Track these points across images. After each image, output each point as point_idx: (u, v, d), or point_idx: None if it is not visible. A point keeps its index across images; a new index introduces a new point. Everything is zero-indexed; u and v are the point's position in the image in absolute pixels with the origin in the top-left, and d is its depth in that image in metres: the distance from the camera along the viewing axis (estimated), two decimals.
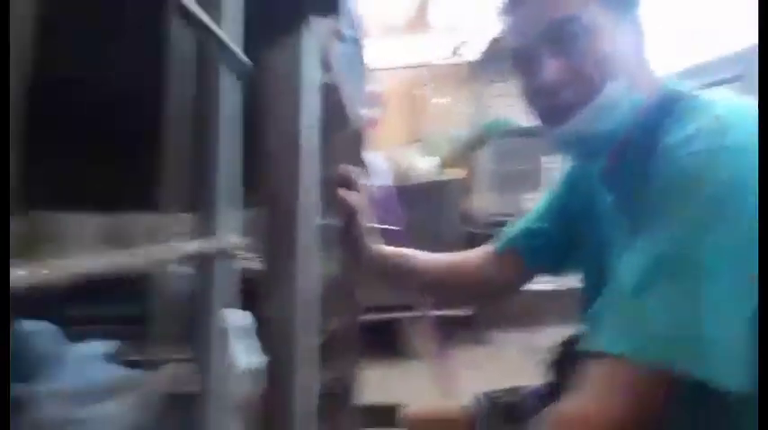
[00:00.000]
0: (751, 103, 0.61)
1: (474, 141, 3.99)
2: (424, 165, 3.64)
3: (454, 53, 4.20)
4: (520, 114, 3.75)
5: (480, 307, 3.35)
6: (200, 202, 0.23)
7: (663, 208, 0.58)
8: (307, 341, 0.59)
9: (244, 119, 0.61)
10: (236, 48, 0.30)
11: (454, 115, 4.11)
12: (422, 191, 3.41)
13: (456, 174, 3.49)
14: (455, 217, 3.45)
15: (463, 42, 4.22)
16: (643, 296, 0.55)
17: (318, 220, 0.62)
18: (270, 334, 0.56)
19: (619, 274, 0.61)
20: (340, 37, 0.71)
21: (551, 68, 0.66)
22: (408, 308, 2.92)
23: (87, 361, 0.75)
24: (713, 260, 0.53)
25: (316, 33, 0.57)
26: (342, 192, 0.89)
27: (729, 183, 0.55)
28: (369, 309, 3.13)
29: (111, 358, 0.81)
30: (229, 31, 0.25)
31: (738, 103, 0.63)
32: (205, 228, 0.24)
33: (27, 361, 0.68)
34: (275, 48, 0.53)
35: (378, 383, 2.76)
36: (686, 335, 0.53)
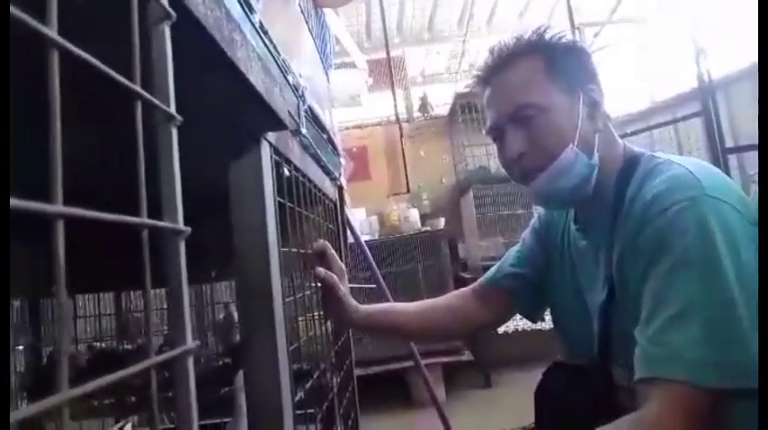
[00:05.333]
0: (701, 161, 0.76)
1: (458, 188, 4.13)
2: (412, 217, 3.75)
3: (421, 109, 4.42)
4: (496, 161, 3.93)
5: (479, 351, 3.39)
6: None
7: (676, 254, 0.65)
8: (287, 397, 0.66)
9: (223, 212, 0.72)
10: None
11: (434, 165, 4.27)
12: (412, 241, 3.52)
13: (440, 222, 3.60)
14: (446, 263, 3.54)
15: (424, 97, 4.46)
16: (681, 328, 0.62)
17: (286, 299, 0.71)
18: (254, 392, 0.64)
19: (655, 313, 0.66)
20: (297, 134, 0.82)
21: (516, 142, 0.80)
22: (410, 358, 2.95)
23: None
24: (729, 287, 0.61)
25: (272, 141, 0.69)
26: (318, 268, 0.97)
27: (721, 223, 0.64)
28: (379, 361, 3.20)
29: None
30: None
31: (695, 160, 0.76)
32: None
33: None
34: (242, 155, 0.65)
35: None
36: (730, 356, 0.60)
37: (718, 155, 2.83)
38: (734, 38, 3.57)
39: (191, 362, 0.30)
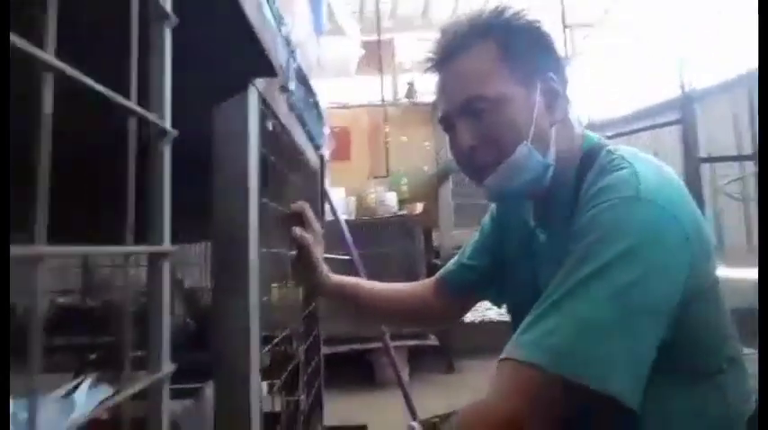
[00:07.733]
0: (658, 161, 0.74)
1: (437, 176, 4.14)
2: (389, 200, 3.75)
3: (408, 95, 4.41)
4: None
5: (445, 337, 3.43)
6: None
7: (580, 246, 0.66)
8: (255, 358, 0.66)
9: (201, 164, 0.70)
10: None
11: (416, 151, 4.27)
12: (387, 224, 3.52)
13: (416, 208, 3.61)
14: (419, 249, 3.56)
15: (411, 84, 4.44)
16: (554, 316, 0.63)
17: (261, 250, 0.70)
18: (221, 351, 0.63)
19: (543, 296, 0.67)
20: (285, 90, 0.81)
21: (466, 135, 0.75)
22: (377, 339, 2.97)
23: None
24: (619, 292, 0.61)
25: (261, 90, 0.67)
26: (295, 227, 0.95)
27: (642, 228, 0.63)
28: (345, 340, 3.21)
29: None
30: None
31: (654, 162, 0.74)
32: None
33: None
34: (226, 104, 0.63)
35: (354, 408, 2.83)
36: (588, 352, 0.60)
37: (695, 163, 2.90)
38: (716, 51, 3.64)
39: (166, 390, 0.27)
